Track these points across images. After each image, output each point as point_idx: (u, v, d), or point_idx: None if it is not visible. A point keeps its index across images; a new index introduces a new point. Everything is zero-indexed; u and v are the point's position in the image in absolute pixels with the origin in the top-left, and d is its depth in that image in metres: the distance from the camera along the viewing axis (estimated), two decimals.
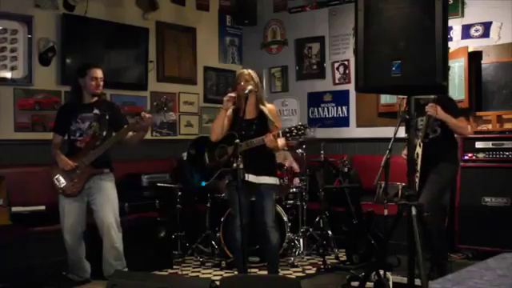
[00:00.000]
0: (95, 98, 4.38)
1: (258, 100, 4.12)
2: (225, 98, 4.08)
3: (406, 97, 4.20)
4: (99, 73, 4.34)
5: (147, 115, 4.22)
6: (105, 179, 4.35)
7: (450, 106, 4.27)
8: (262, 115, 4.10)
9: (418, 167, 4.17)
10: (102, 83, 4.36)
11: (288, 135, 3.85)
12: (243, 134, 3.97)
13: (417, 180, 4.16)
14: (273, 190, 4.12)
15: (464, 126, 4.39)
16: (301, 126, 3.80)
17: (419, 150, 4.18)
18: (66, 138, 4.42)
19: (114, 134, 4.42)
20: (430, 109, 4.11)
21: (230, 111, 4.11)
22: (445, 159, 4.35)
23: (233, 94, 4.07)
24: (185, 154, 6.27)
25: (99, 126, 4.34)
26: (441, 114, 4.15)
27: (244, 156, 3.87)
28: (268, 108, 4.15)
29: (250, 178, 4.01)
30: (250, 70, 4.16)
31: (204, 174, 4.31)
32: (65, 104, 4.70)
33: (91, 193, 4.31)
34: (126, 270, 4.29)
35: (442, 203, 4.57)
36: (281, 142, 4.00)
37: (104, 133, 4.36)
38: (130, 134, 4.40)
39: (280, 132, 3.86)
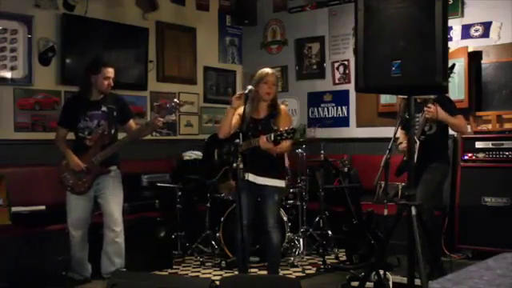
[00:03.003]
0: (102, 95, 4.39)
1: (272, 100, 4.12)
2: (233, 98, 4.07)
3: (404, 97, 4.23)
4: (112, 72, 4.36)
5: (160, 119, 4.27)
6: (112, 176, 4.39)
7: (447, 105, 4.27)
8: (270, 115, 4.10)
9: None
10: (112, 83, 4.37)
11: (278, 138, 3.81)
12: (250, 134, 3.97)
13: None
14: (276, 192, 4.10)
15: (463, 125, 4.42)
16: (291, 129, 3.76)
17: (415, 147, 4.17)
18: (73, 134, 4.42)
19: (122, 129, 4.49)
20: (430, 111, 4.10)
21: (241, 110, 4.06)
22: (439, 158, 4.36)
23: (239, 94, 4.05)
24: (185, 154, 6.30)
25: (108, 124, 4.36)
26: (441, 114, 4.14)
27: (248, 156, 3.87)
28: (281, 109, 4.16)
29: (252, 177, 4.01)
30: (272, 71, 4.16)
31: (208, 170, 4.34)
32: (72, 98, 4.64)
33: (98, 188, 4.36)
34: (125, 269, 4.30)
35: (435, 202, 4.58)
36: (286, 143, 3.98)
37: (112, 131, 4.41)
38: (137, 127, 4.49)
39: (272, 135, 3.82)
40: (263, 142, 3.85)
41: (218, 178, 4.27)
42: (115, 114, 4.41)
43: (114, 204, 4.34)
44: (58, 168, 4.37)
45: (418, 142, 4.13)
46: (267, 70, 4.15)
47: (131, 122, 4.52)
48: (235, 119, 4.07)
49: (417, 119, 4.24)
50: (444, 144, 4.49)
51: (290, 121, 4.21)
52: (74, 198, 4.34)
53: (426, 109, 4.10)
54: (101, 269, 4.36)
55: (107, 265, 4.30)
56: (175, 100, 4.42)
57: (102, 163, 4.32)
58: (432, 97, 4.16)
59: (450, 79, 4.04)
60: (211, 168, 4.37)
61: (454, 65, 4.14)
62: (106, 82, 4.32)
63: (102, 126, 4.35)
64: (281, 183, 4.15)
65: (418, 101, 4.24)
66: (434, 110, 4.07)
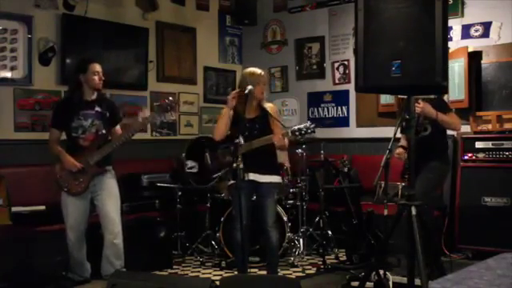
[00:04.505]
0: (95, 95, 4.38)
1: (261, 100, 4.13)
2: (229, 97, 4.06)
3: (404, 97, 4.23)
4: (99, 67, 4.35)
5: (144, 116, 4.30)
6: (108, 176, 4.39)
7: (439, 104, 4.26)
8: (263, 114, 4.11)
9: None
10: (102, 78, 4.36)
11: (297, 133, 3.85)
12: (246, 134, 3.97)
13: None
14: (274, 189, 4.13)
15: (455, 122, 4.37)
16: (310, 125, 3.81)
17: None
18: (66, 135, 4.41)
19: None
20: (419, 107, 4.10)
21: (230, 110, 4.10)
22: (438, 158, 4.36)
23: (235, 93, 4.05)
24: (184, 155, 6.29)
25: (102, 124, 4.36)
26: (430, 111, 4.13)
27: (246, 155, 3.88)
28: (269, 107, 4.16)
29: (253, 176, 4.02)
30: (264, 72, 4.15)
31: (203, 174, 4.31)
32: (64, 99, 4.68)
33: (95, 190, 4.35)
34: (124, 269, 4.30)
35: (434, 201, 4.59)
36: (287, 140, 4.01)
37: (106, 130, 4.40)
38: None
39: (289, 131, 3.86)
40: (279, 138, 3.87)
41: (217, 180, 4.26)
42: (108, 114, 4.42)
43: (111, 205, 4.33)
44: (53, 169, 4.35)
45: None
46: (258, 70, 4.11)
47: (117, 128, 4.51)
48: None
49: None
50: (442, 144, 4.48)
51: (278, 116, 4.28)
52: (70, 201, 4.32)
53: (416, 105, 4.08)
54: (101, 271, 4.35)
55: (107, 267, 4.30)
56: (170, 98, 4.39)
57: (96, 163, 4.32)
58: (432, 97, 4.17)
59: None
60: (205, 172, 4.33)
61: None
62: (96, 78, 4.31)
63: (96, 125, 4.34)
64: (279, 179, 4.21)
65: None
66: (422, 106, 4.08)
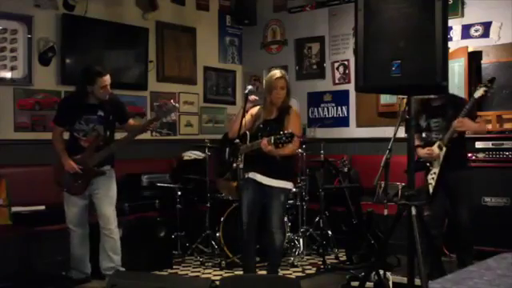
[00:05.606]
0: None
1: (283, 102, 4.12)
2: (250, 98, 4.04)
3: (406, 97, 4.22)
4: (108, 79, 4.30)
5: (154, 125, 4.46)
6: (106, 176, 4.42)
7: (470, 111, 4.15)
8: (279, 117, 4.09)
9: (437, 170, 4.16)
10: (110, 91, 4.36)
11: (278, 142, 3.79)
12: (259, 135, 3.98)
13: (433, 182, 4.17)
14: (282, 193, 4.07)
15: (485, 126, 4.59)
16: (289, 133, 3.73)
17: (440, 152, 4.13)
18: (69, 133, 4.43)
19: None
20: (460, 126, 4.07)
21: (256, 110, 4.10)
22: (467, 169, 4.45)
23: (253, 98, 4.04)
24: (185, 154, 6.31)
25: (103, 128, 4.38)
26: (469, 126, 4.15)
27: (254, 156, 3.89)
28: (292, 110, 4.16)
29: (259, 178, 4.02)
30: (283, 74, 4.14)
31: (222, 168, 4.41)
32: (69, 97, 4.66)
33: (93, 188, 4.40)
34: (123, 269, 4.34)
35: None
36: (288, 146, 3.96)
37: (107, 133, 4.42)
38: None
39: (272, 138, 3.79)
40: (264, 144, 3.84)
41: (227, 176, 4.29)
42: (111, 117, 4.43)
43: (107, 204, 4.39)
44: (53, 169, 4.39)
45: (444, 149, 4.12)
46: (275, 75, 4.10)
47: (130, 121, 4.60)
48: (247, 119, 4.07)
49: (436, 124, 4.22)
50: (463, 148, 4.48)
51: (299, 122, 4.22)
52: (70, 199, 4.40)
53: (457, 124, 4.04)
54: (100, 266, 4.40)
55: (105, 261, 4.37)
56: (174, 104, 4.41)
57: (96, 165, 4.35)
58: (432, 96, 4.15)
59: (489, 93, 4.08)
60: (224, 165, 4.40)
61: (493, 78, 4.22)
62: (102, 91, 4.31)
63: (97, 130, 4.37)
64: (287, 184, 4.12)
65: (433, 104, 4.23)
66: (462, 124, 4.05)
